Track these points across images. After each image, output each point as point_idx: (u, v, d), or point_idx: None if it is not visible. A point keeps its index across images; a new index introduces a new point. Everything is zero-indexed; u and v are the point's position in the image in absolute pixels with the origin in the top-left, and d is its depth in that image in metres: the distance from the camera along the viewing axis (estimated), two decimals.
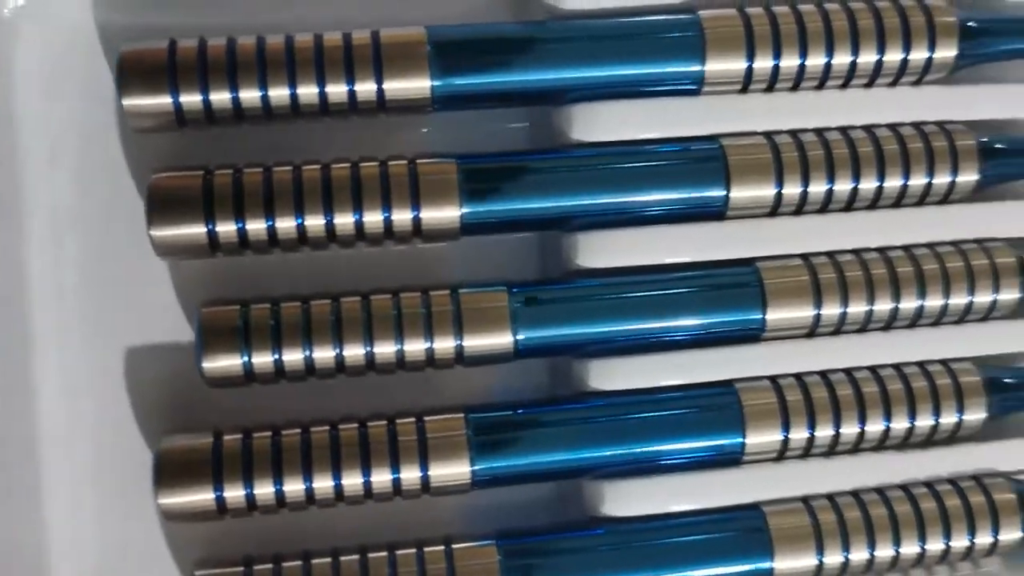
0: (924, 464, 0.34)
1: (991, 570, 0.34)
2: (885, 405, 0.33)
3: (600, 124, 0.33)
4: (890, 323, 0.34)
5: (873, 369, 0.34)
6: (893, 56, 0.33)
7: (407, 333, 0.31)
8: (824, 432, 0.33)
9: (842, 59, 0.33)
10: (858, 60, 0.33)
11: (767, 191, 0.33)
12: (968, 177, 0.34)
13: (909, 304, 0.34)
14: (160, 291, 0.34)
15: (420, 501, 0.32)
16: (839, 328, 0.34)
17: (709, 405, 0.33)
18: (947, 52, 0.33)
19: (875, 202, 0.34)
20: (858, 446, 0.34)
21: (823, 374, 0.34)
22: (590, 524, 0.33)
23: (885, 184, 0.34)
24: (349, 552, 0.32)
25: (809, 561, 0.33)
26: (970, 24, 0.34)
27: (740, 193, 0.33)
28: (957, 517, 0.33)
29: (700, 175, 0.33)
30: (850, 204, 0.34)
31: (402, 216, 0.31)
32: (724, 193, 0.33)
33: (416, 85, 0.32)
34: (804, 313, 0.33)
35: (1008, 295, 0.34)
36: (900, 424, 0.33)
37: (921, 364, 0.34)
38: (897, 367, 0.34)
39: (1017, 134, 0.35)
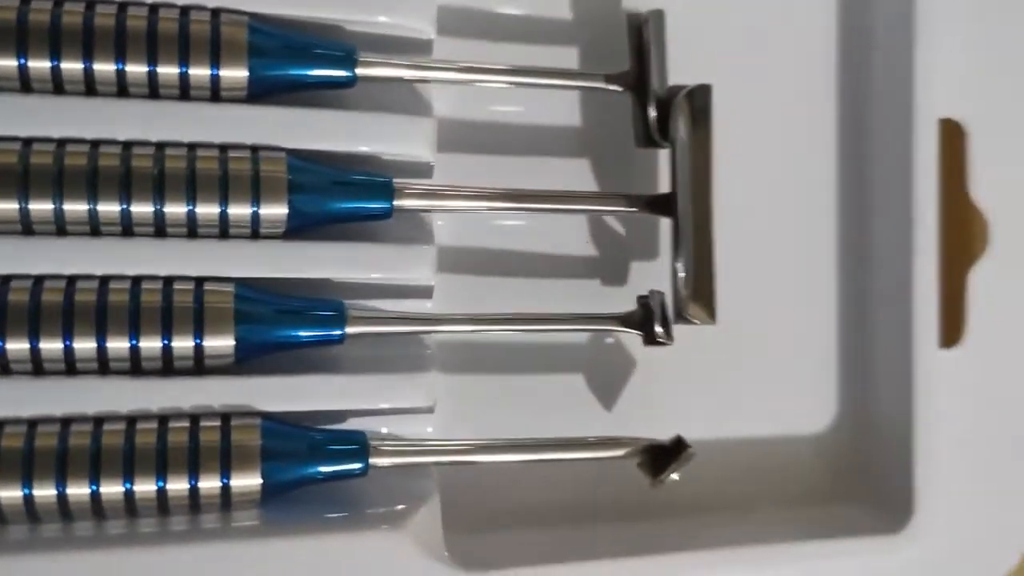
0: (165, 393, 0.30)
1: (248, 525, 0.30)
2: (104, 317, 0.29)
3: None
4: (128, 228, 0.30)
5: (105, 279, 0.30)
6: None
7: None
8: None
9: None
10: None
11: None
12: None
13: (144, 208, 0.29)
14: None
15: None
16: (61, 227, 0.29)
17: None
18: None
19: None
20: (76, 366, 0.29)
21: (40, 279, 0.29)
22: None
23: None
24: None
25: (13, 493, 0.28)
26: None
27: None
28: (181, 455, 0.29)
29: None
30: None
31: None
32: None
33: None
34: (8, 206, 0.29)
35: (275, 210, 0.30)
36: (120, 344, 0.29)
37: (167, 279, 0.30)
38: (136, 280, 0.30)
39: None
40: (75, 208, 0.29)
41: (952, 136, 0.40)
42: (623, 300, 0.35)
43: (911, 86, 0.37)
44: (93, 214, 0.29)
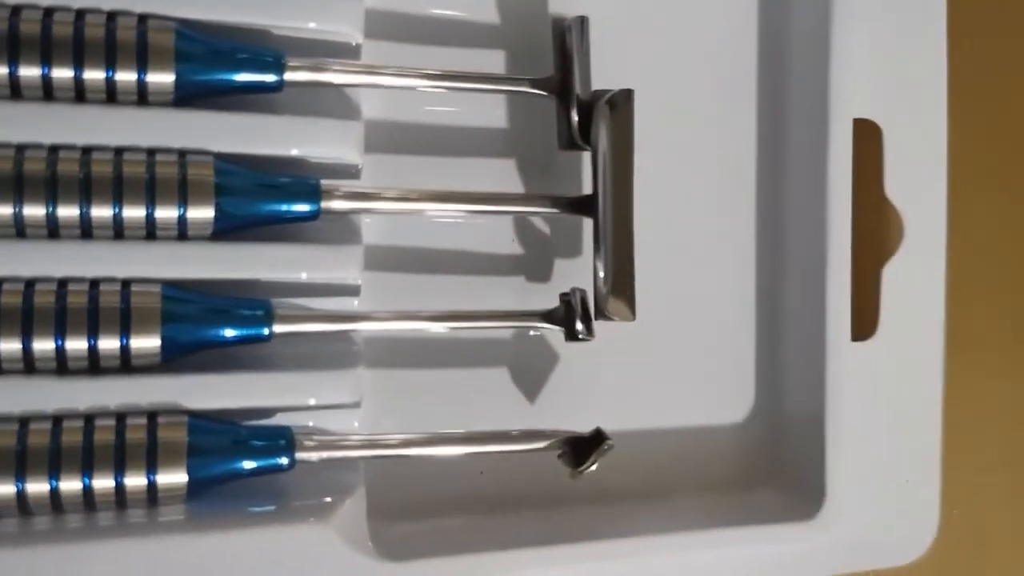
0: (92, 393, 0.30)
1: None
2: (30, 319, 0.29)
3: None
4: (54, 230, 0.30)
5: (31, 282, 0.30)
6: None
7: None
8: None
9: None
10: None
11: None
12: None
13: (71, 211, 0.30)
14: None
15: None
16: None
17: None
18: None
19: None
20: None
21: None
22: None
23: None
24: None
25: None
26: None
27: None
28: (107, 452, 0.29)
29: None
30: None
31: None
32: None
33: None
34: None
35: (202, 213, 0.31)
36: (46, 345, 0.30)
37: (94, 281, 0.31)
38: (63, 281, 0.30)
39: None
40: (0, 212, 0.30)
41: (867, 136, 0.41)
42: (547, 297, 0.37)
43: (826, 86, 0.38)
44: (18, 218, 0.30)
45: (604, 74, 0.36)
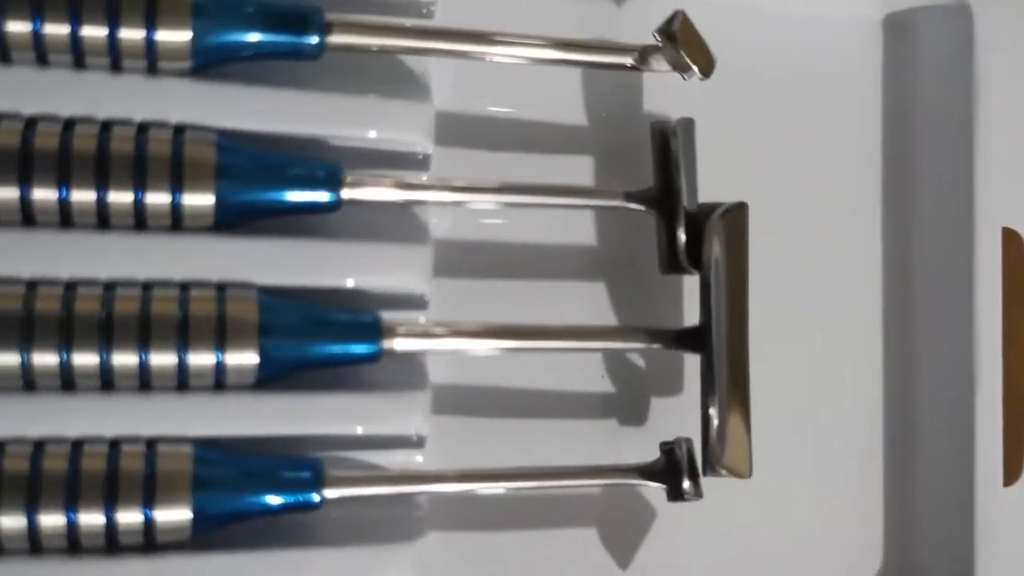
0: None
1: None
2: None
3: None
4: (68, 380, 0.25)
5: (40, 443, 0.25)
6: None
7: None
8: None
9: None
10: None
11: None
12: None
13: (88, 359, 0.25)
14: None
15: None
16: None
17: None
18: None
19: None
20: None
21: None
22: None
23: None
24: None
25: None
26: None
27: None
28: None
29: None
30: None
31: None
32: None
33: None
34: None
35: (241, 359, 0.26)
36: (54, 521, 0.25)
37: (116, 441, 0.26)
38: (79, 442, 0.25)
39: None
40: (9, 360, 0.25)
41: (1010, 246, 0.36)
42: (643, 443, 0.31)
43: (971, 193, 0.33)
44: (27, 367, 0.25)
45: (707, 184, 0.31)
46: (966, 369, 0.33)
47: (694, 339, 0.30)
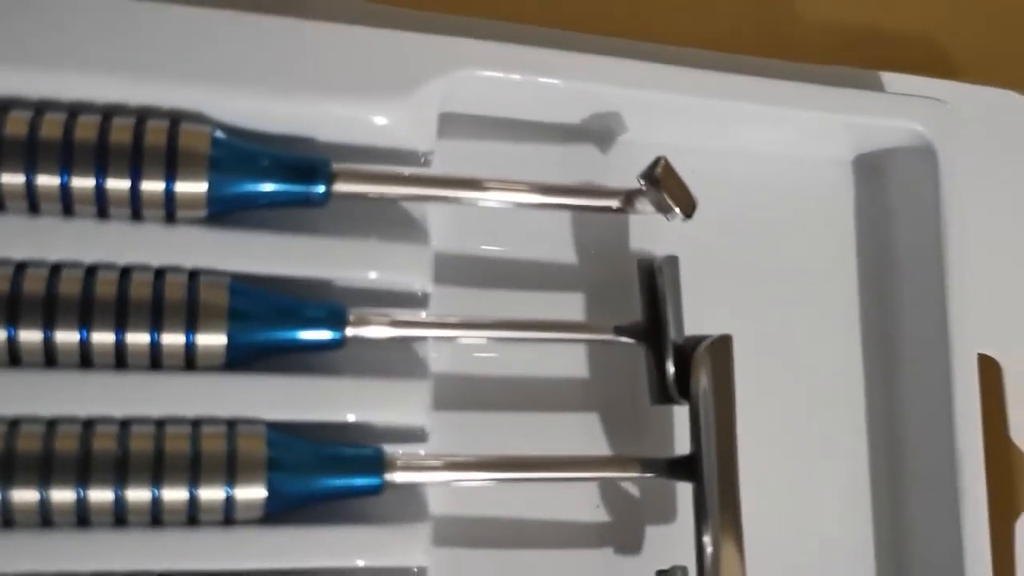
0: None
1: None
2: None
3: None
4: (84, 518, 0.26)
5: None
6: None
7: None
8: None
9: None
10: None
11: None
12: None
13: (103, 496, 0.26)
14: None
15: None
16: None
17: None
18: (197, 186, 0.28)
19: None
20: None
21: None
22: None
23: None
24: None
25: None
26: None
27: None
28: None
29: None
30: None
31: None
32: None
33: None
34: None
35: (250, 494, 0.27)
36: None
37: None
38: None
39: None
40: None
41: (988, 373, 0.37)
42: (639, 572, 0.32)
43: (945, 319, 0.34)
44: (45, 504, 0.26)
45: (693, 317, 0.32)
46: (950, 494, 0.33)
47: (686, 468, 0.31)
